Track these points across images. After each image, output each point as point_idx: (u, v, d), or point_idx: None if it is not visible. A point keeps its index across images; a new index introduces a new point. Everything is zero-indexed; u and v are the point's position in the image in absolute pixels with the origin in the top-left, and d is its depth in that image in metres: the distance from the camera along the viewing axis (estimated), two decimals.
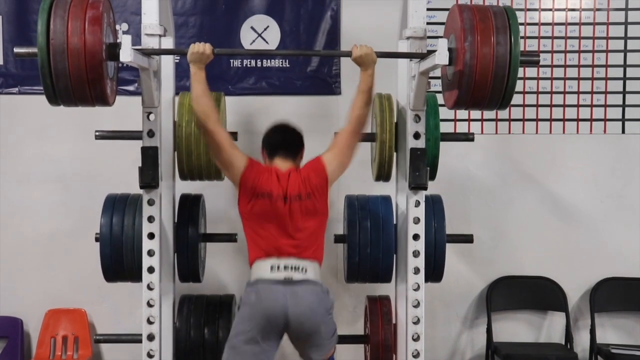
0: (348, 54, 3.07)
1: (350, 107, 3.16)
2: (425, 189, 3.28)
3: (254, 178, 3.06)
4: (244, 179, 3.07)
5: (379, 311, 3.60)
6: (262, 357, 2.98)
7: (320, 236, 3.12)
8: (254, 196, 3.05)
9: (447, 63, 2.79)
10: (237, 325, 3.01)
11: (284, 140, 3.23)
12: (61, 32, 2.62)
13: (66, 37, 2.62)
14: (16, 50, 2.77)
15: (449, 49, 2.83)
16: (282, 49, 4.27)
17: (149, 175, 3.19)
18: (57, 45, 2.61)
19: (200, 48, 2.98)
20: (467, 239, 3.68)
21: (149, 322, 3.27)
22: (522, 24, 4.18)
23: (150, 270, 3.25)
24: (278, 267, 3.00)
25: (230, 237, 3.74)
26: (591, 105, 4.32)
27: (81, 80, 2.66)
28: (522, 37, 4.13)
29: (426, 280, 3.36)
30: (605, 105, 4.32)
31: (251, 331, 2.95)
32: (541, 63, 4.24)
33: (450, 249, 3.62)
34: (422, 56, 3.11)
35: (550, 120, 4.32)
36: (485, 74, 2.75)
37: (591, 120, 4.33)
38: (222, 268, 4.25)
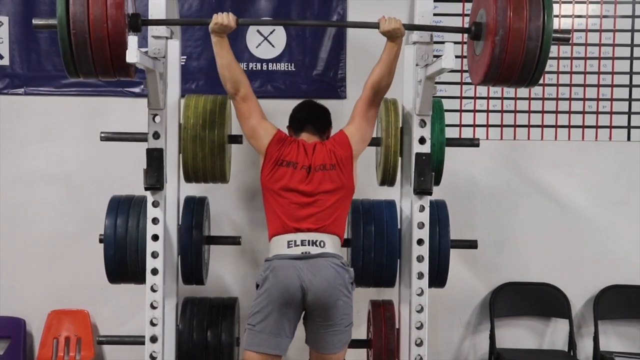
0: (376, 26, 3.06)
1: (369, 75, 3.17)
2: (430, 194, 3.27)
3: (280, 147, 3.09)
4: (270, 149, 3.10)
5: (382, 316, 3.60)
6: (280, 336, 2.95)
7: (341, 209, 3.10)
8: (277, 164, 3.07)
9: (453, 67, 2.79)
10: (254, 305, 2.98)
11: (311, 115, 3.26)
12: (81, 3, 2.57)
13: (87, 8, 2.56)
14: (35, 22, 2.71)
15: (479, 24, 2.81)
16: (287, 53, 4.27)
17: (153, 177, 3.19)
18: (77, 15, 2.56)
19: (225, 20, 2.96)
20: (471, 244, 3.66)
21: (152, 324, 3.27)
22: None
23: (154, 272, 3.25)
24: (295, 242, 2.99)
25: (234, 240, 3.73)
26: (597, 112, 4.31)
27: (103, 52, 2.61)
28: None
29: (430, 285, 3.36)
30: (611, 112, 4.31)
31: (268, 308, 2.92)
32: (547, 70, 4.26)
33: (454, 254, 3.62)
34: (443, 29, 3.22)
35: (556, 126, 4.32)
36: (517, 49, 2.67)
37: (597, 127, 4.32)
38: (225, 271, 4.25)
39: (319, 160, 3.08)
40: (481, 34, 2.82)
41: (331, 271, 2.94)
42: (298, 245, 2.99)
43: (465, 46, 4.05)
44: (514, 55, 2.69)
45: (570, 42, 4.26)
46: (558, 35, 2.84)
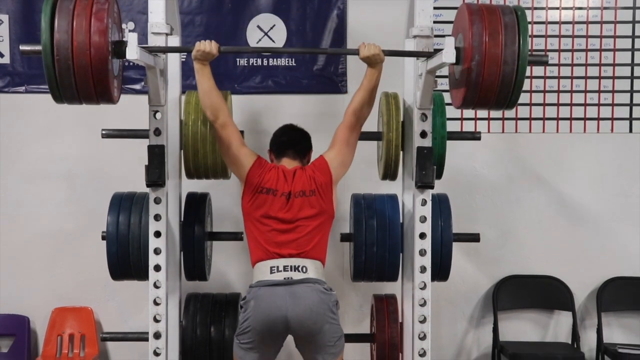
0: (355, 52, 3.07)
1: (350, 101, 3.19)
2: (432, 187, 3.27)
3: (260, 174, 3.09)
4: (250, 176, 3.10)
5: (385, 310, 3.60)
6: (267, 354, 3.00)
7: (322, 234, 3.11)
8: (257, 192, 3.08)
9: (454, 61, 2.78)
10: (240, 325, 3.00)
11: (292, 139, 3.25)
12: (65, 30, 2.57)
13: (71, 35, 2.57)
14: (22, 47, 2.74)
15: (457, 48, 2.82)
16: (288, 48, 4.27)
17: (155, 174, 3.19)
18: (61, 42, 2.57)
19: (207, 47, 2.97)
20: (474, 237, 3.66)
21: (156, 320, 3.27)
22: (529, 22, 4.15)
23: (157, 268, 3.25)
24: (278, 268, 3.00)
25: (236, 236, 3.74)
26: (598, 104, 4.31)
27: (86, 78, 2.62)
28: (529, 36, 4.13)
29: (432, 279, 3.35)
30: (613, 104, 4.30)
31: (250, 337, 2.94)
32: (548, 62, 4.26)
33: (457, 247, 3.61)
34: (429, 55, 3.10)
35: (557, 119, 4.31)
36: (493, 74, 2.72)
37: (598, 119, 4.31)
38: (228, 266, 4.26)
39: (298, 186, 3.08)
40: (460, 59, 2.84)
41: (314, 298, 2.95)
42: (281, 271, 3.00)
43: None
44: (490, 79, 2.73)
45: (572, 34, 4.27)
46: (534, 58, 2.91)
